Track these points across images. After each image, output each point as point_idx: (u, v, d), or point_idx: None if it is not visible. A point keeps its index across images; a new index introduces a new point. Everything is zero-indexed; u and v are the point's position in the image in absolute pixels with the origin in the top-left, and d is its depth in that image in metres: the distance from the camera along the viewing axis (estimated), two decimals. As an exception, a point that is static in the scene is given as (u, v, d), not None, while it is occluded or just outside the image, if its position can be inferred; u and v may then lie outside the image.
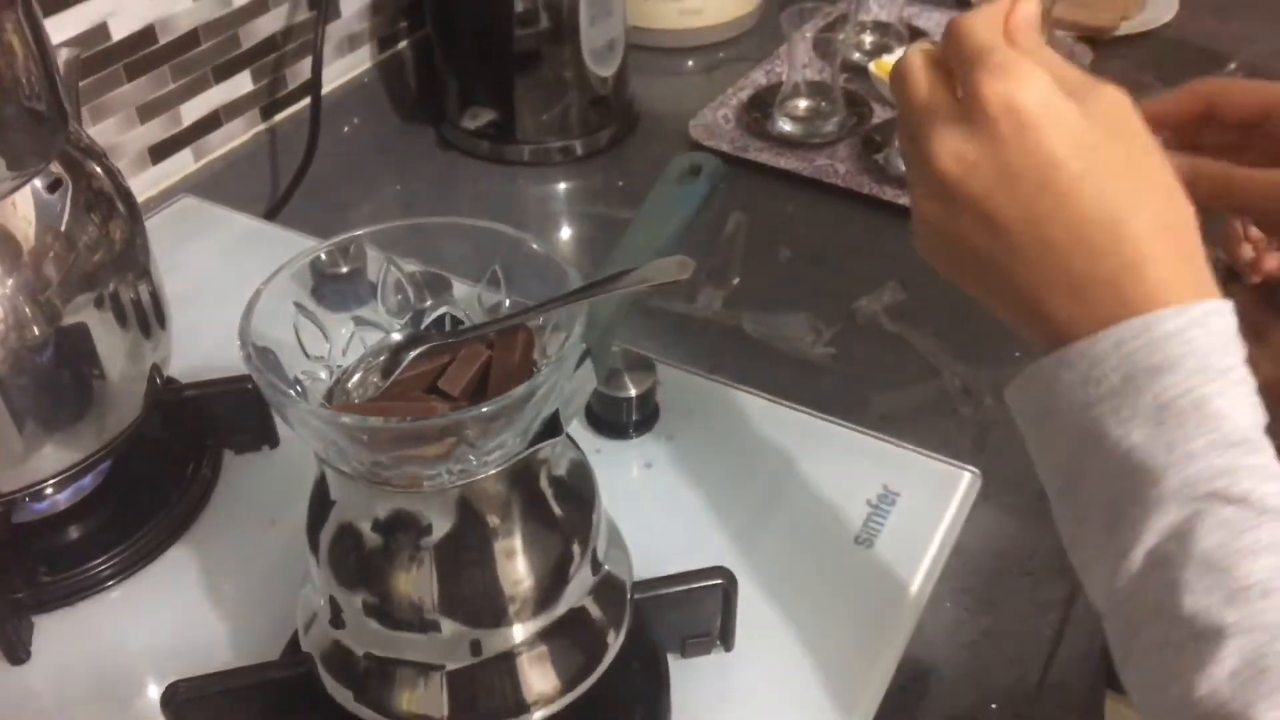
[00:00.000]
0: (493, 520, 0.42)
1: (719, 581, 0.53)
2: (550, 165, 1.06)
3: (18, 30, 0.51)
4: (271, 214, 0.97)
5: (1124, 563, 0.39)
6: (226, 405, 0.66)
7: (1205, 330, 0.39)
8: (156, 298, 0.63)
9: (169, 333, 0.64)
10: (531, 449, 0.41)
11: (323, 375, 0.44)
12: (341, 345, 0.46)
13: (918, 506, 0.64)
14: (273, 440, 0.68)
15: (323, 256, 0.45)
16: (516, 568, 0.43)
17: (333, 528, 0.44)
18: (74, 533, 0.62)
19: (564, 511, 0.45)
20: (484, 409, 0.38)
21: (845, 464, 0.66)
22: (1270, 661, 0.36)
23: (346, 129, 1.07)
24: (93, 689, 0.56)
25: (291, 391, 0.41)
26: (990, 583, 0.67)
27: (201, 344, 0.73)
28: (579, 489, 0.46)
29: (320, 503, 0.44)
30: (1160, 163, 0.41)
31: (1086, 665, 0.66)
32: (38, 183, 0.55)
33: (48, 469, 0.58)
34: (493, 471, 0.41)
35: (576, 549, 0.45)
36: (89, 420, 0.59)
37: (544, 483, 0.44)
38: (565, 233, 1.02)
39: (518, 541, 0.43)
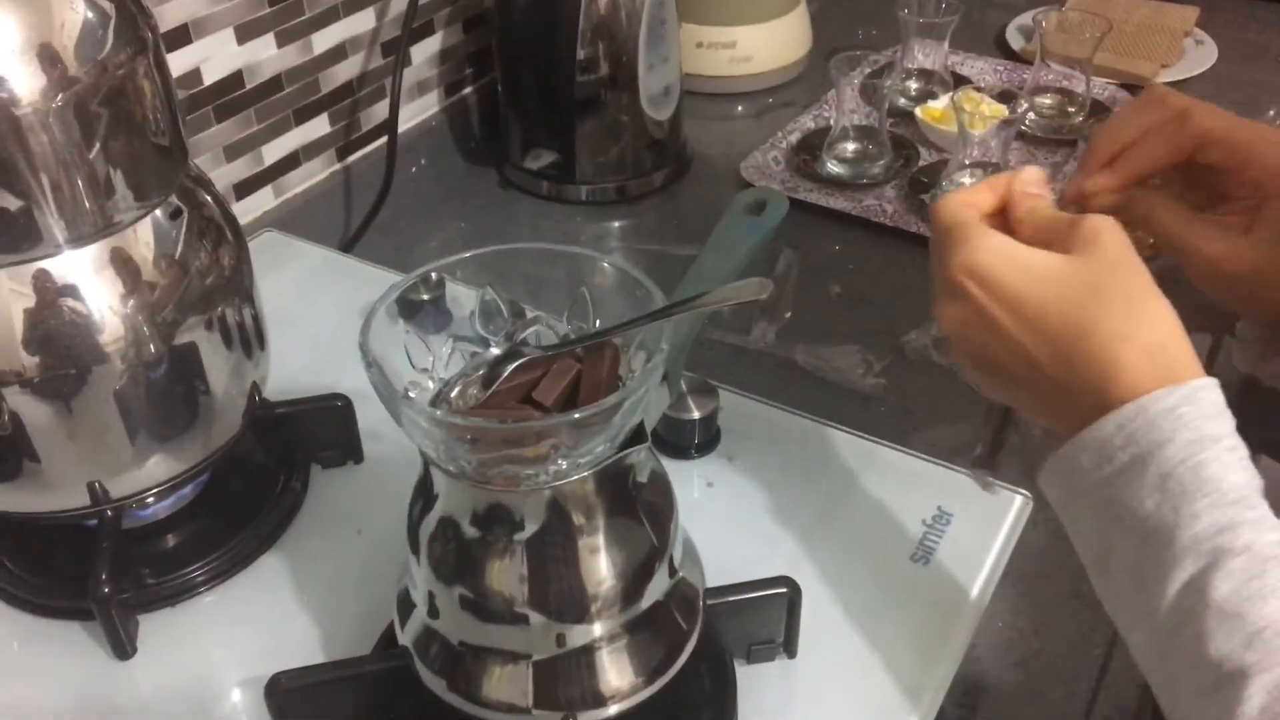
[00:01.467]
0: (580, 520, 0.46)
1: (784, 590, 0.57)
2: (607, 204, 1.11)
3: (149, 73, 0.57)
4: (347, 247, 1.02)
5: (1154, 621, 0.44)
6: (316, 422, 0.71)
7: (1195, 405, 0.45)
8: (258, 320, 0.67)
9: (268, 353, 0.69)
10: (619, 454, 0.45)
11: (427, 385, 0.48)
12: (443, 360, 0.50)
13: (971, 527, 0.67)
14: (358, 456, 0.72)
15: (423, 281, 0.49)
16: (601, 566, 0.47)
17: (433, 523, 0.47)
18: (174, 539, 0.67)
19: (645, 516, 0.48)
20: (577, 415, 0.42)
21: (900, 485, 0.69)
22: None
23: (414, 169, 1.12)
24: (192, 685, 0.60)
25: (403, 396, 0.45)
26: (1040, 605, 0.69)
27: (286, 366, 0.78)
28: (659, 496, 0.50)
29: (423, 500, 0.48)
30: (1128, 275, 0.47)
31: (1134, 688, 0.68)
32: (159, 212, 0.60)
33: (156, 477, 0.63)
34: (584, 474, 0.44)
35: (656, 551, 0.49)
36: (195, 433, 0.64)
37: (628, 488, 0.47)
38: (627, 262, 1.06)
39: (603, 541, 0.47)
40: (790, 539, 0.67)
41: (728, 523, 0.68)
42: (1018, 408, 0.53)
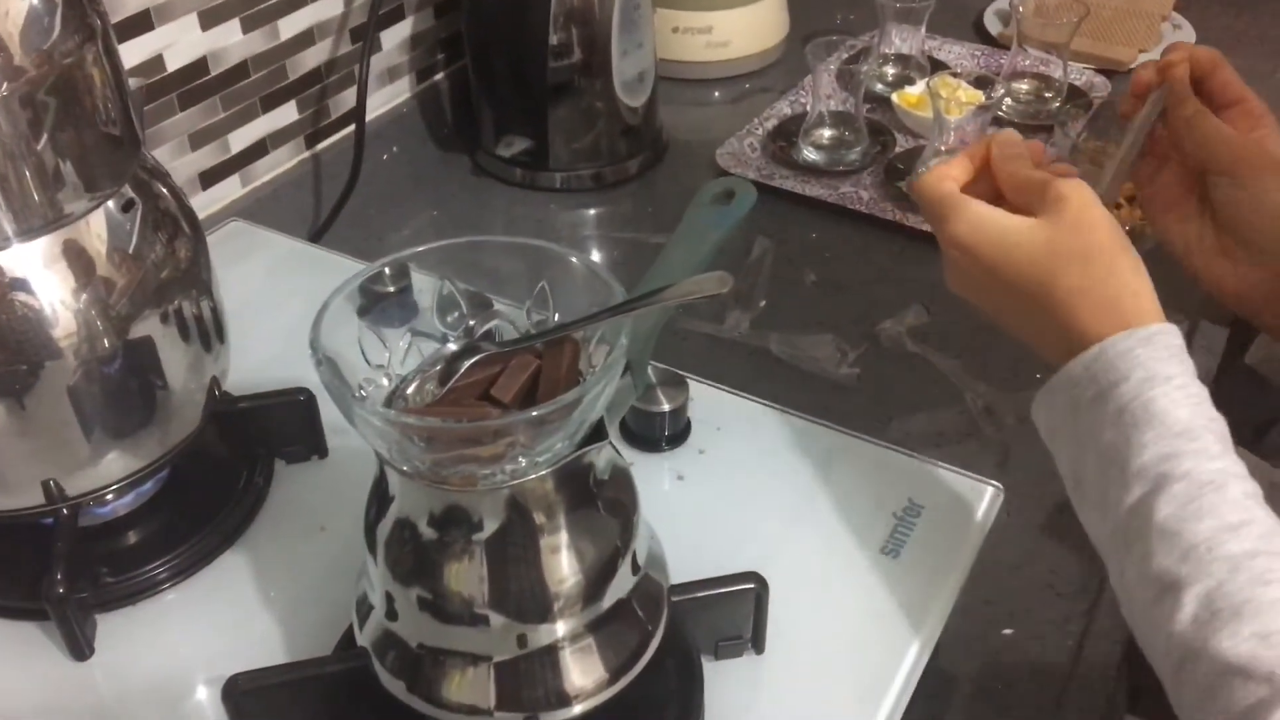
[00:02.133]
0: (541, 519, 0.45)
1: (751, 586, 0.56)
2: (581, 192, 1.10)
3: (97, 61, 0.55)
4: (315, 237, 1.01)
5: (1113, 539, 0.49)
6: (278, 417, 0.70)
7: (1149, 347, 0.50)
8: (217, 313, 0.66)
9: (227, 346, 0.68)
10: (579, 452, 0.44)
11: (383, 382, 0.47)
12: (399, 355, 0.49)
13: (942, 520, 0.66)
14: (322, 451, 0.71)
15: (386, 272, 0.48)
16: (562, 565, 0.46)
17: (390, 524, 0.46)
18: (134, 536, 0.66)
19: (607, 513, 0.47)
20: (535, 412, 0.41)
21: (871, 478, 0.69)
22: (1220, 603, 0.44)
23: (385, 157, 1.11)
24: (151, 685, 0.59)
25: (356, 395, 0.44)
26: (1012, 596, 0.69)
27: (250, 358, 0.77)
28: (621, 493, 0.49)
29: (379, 501, 0.47)
30: (1086, 235, 0.53)
31: (1106, 679, 0.68)
32: (111, 204, 0.58)
33: (113, 474, 0.62)
34: (542, 473, 0.43)
35: (618, 549, 0.48)
36: (152, 429, 0.62)
37: (589, 485, 0.46)
38: (595, 256, 1.05)
39: (564, 540, 0.46)
40: (760, 532, 0.66)
41: (697, 517, 0.67)
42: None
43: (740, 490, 0.69)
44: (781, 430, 0.73)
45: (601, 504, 0.47)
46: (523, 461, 0.42)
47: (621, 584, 0.49)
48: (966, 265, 0.56)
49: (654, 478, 0.70)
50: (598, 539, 0.47)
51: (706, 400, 0.74)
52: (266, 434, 0.70)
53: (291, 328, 0.84)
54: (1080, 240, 0.52)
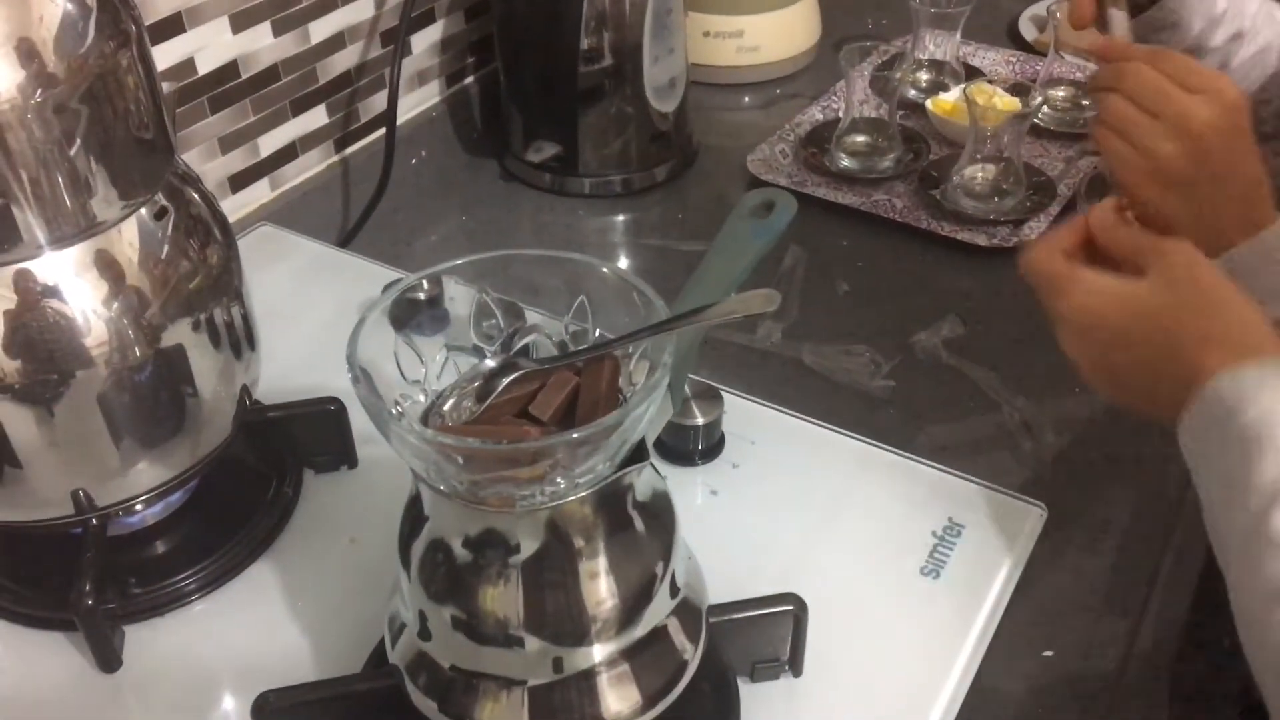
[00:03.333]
0: (579, 541, 0.44)
1: (790, 608, 0.55)
2: (610, 198, 1.08)
3: (132, 67, 0.54)
4: (344, 242, 1.00)
5: (1235, 551, 0.50)
6: (308, 426, 0.69)
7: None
8: (248, 321, 0.65)
9: (258, 354, 0.67)
10: (619, 473, 0.43)
11: (419, 398, 0.46)
12: (435, 369, 0.48)
13: (984, 540, 0.65)
14: (352, 461, 0.70)
15: (424, 284, 0.47)
16: (600, 588, 0.45)
17: (424, 543, 0.46)
18: (162, 546, 0.65)
19: (646, 535, 0.46)
20: (576, 434, 0.40)
21: (910, 495, 0.67)
22: None
23: (414, 161, 1.10)
24: (179, 698, 0.59)
25: (392, 412, 0.43)
26: (1052, 617, 0.67)
27: (278, 365, 0.76)
28: (660, 514, 0.48)
29: (413, 519, 0.46)
30: (1196, 285, 0.54)
31: (1149, 702, 0.66)
32: (144, 211, 0.57)
33: (143, 485, 0.61)
34: (582, 494, 0.42)
35: (657, 571, 0.47)
36: (183, 438, 0.62)
37: (628, 507, 0.45)
38: (624, 263, 1.04)
39: (602, 563, 0.45)
40: (796, 550, 0.65)
41: (731, 532, 0.66)
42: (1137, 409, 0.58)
43: (774, 506, 0.68)
44: (816, 444, 0.72)
45: (641, 526, 0.46)
46: (562, 483, 0.41)
47: (660, 608, 0.47)
48: (1093, 332, 0.56)
49: (687, 492, 0.69)
50: (636, 562, 0.46)
51: (740, 413, 0.73)
52: (296, 443, 0.70)
53: (320, 334, 0.84)
54: (1197, 292, 0.54)
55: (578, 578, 0.44)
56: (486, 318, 0.48)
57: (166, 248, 0.59)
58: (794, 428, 0.73)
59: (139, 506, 0.63)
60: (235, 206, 0.97)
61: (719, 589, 0.56)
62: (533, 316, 0.54)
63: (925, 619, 0.61)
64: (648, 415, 0.42)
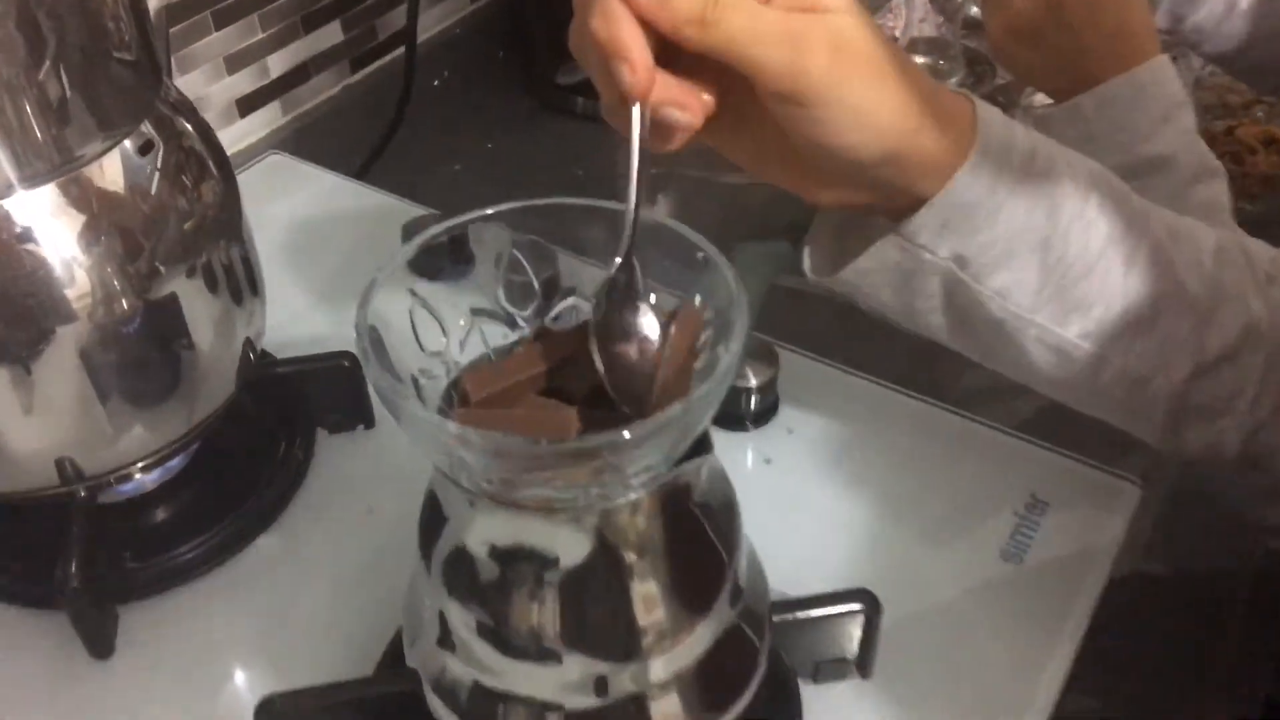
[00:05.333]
0: (628, 551, 0.37)
1: (861, 606, 0.48)
2: (649, 125, 1.00)
3: (108, -23, 0.47)
4: (361, 172, 0.93)
5: None
6: (321, 382, 0.62)
7: None
8: (250, 266, 0.59)
9: (263, 303, 0.60)
10: (679, 470, 0.36)
11: (439, 373, 0.40)
12: (459, 338, 0.41)
13: (1071, 519, 0.58)
14: (369, 420, 0.63)
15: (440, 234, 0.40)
16: (651, 601, 0.38)
17: (447, 545, 0.39)
18: (160, 516, 0.59)
19: (706, 538, 0.40)
20: (628, 434, 0.33)
21: (987, 468, 0.60)
22: None
23: (436, 83, 1.02)
24: (178, 687, 0.53)
25: (411, 394, 0.36)
26: (1142, 607, 0.61)
27: (288, 311, 0.70)
28: (722, 511, 0.41)
29: (433, 515, 0.40)
30: None
31: (1251, 697, 0.60)
32: (128, 144, 0.50)
33: (136, 451, 0.55)
34: (634, 495, 0.36)
35: (718, 578, 0.40)
36: (180, 399, 0.55)
37: (688, 506, 0.39)
38: (660, 199, 0.96)
39: (655, 573, 0.38)
40: (858, 528, 0.58)
41: (787, 507, 0.59)
42: None
43: (834, 477, 0.61)
44: (880, 407, 0.65)
45: (700, 528, 0.39)
46: (611, 484, 0.34)
47: (719, 619, 0.41)
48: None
49: (738, 461, 0.62)
50: (695, 569, 0.39)
51: (794, 371, 0.66)
52: (307, 400, 0.63)
53: (334, 275, 0.77)
54: None
55: (626, 591, 0.37)
56: (517, 273, 0.40)
57: (156, 185, 0.52)
58: (856, 388, 0.66)
59: (134, 474, 0.57)
60: (242, 133, 0.90)
61: (776, 574, 0.49)
62: (569, 266, 0.47)
63: (1008, 610, 0.54)
64: (717, 401, 0.35)
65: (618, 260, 0.38)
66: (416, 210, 0.79)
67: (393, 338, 0.39)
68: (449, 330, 0.40)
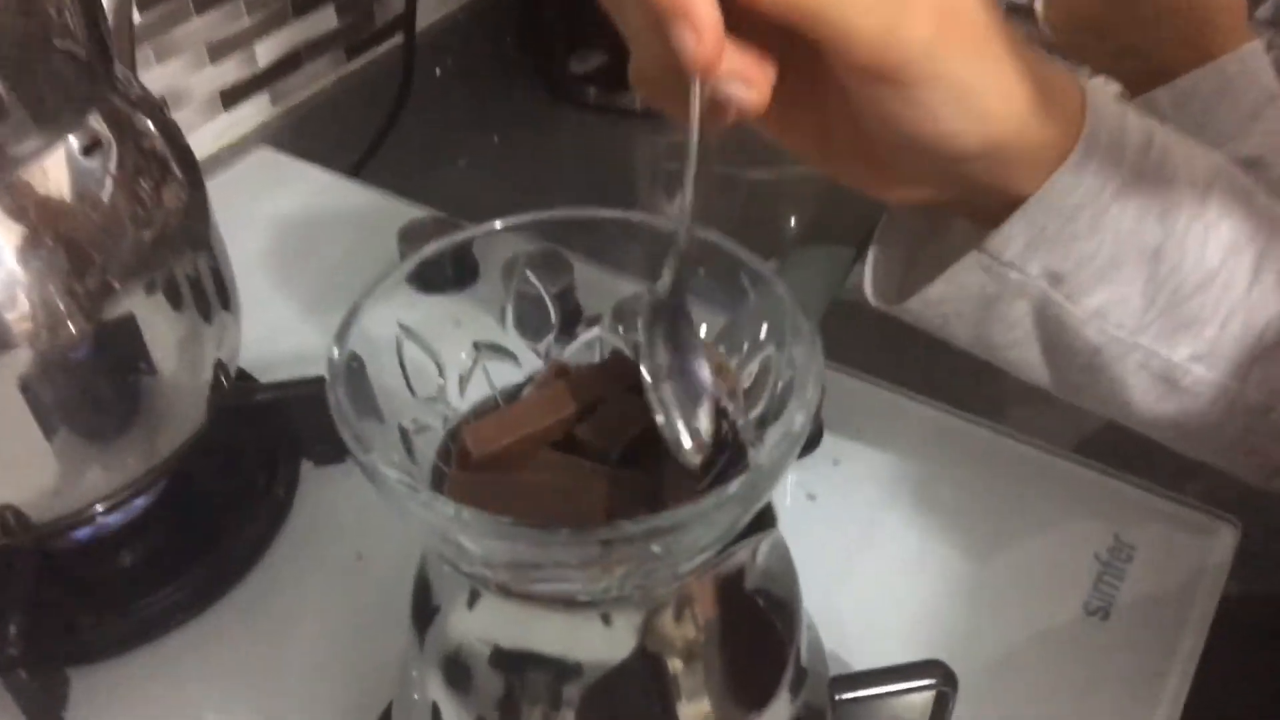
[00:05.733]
0: (670, 649, 0.30)
1: (934, 681, 0.41)
2: (665, 116, 0.93)
3: (45, -55, 0.40)
4: (356, 169, 0.85)
5: None
6: (306, 408, 0.55)
7: None
8: (221, 278, 0.51)
9: (236, 320, 0.53)
10: (734, 548, 0.29)
11: (433, 424, 0.32)
12: (458, 374, 0.34)
13: (1161, 565, 0.51)
14: (359, 453, 0.56)
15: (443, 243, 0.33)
16: (699, 708, 0.31)
17: (442, 637, 0.32)
18: (119, 566, 0.52)
19: (764, 625, 0.32)
20: (681, 512, 0.25)
21: (1063, 506, 0.53)
22: None
23: (439, 71, 0.95)
24: (141, 764, 0.46)
25: (394, 458, 0.29)
26: (1247, 657, 0.53)
27: (271, 324, 0.63)
28: (782, 590, 0.34)
29: (425, 594, 0.32)
30: None
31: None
32: (74, 142, 0.43)
33: (90, 494, 0.48)
34: (677, 585, 0.28)
35: (777, 672, 0.33)
36: (141, 432, 0.48)
37: (742, 590, 0.31)
38: (678, 194, 0.89)
39: (703, 674, 0.31)
40: (916, 577, 0.51)
41: (835, 550, 0.52)
42: None
43: (887, 517, 0.53)
44: (936, 435, 0.57)
45: (758, 615, 0.32)
46: (653, 573, 0.27)
47: (777, 717, 0.34)
48: None
49: (775, 497, 0.54)
50: (751, 666, 0.32)
51: (840, 392, 0.59)
52: (290, 430, 0.56)
53: (324, 285, 0.70)
54: None
55: (668, 701, 0.30)
56: (529, 316, 0.33)
57: (108, 190, 0.45)
58: (907, 412, 0.58)
59: (88, 519, 0.50)
60: (227, 126, 0.82)
61: (824, 632, 0.42)
62: (589, 281, 0.40)
63: (1095, 673, 0.47)
64: (784, 469, 0.28)
65: (666, 277, 0.31)
66: (415, 211, 0.72)
67: (378, 378, 0.32)
68: (446, 368, 0.33)
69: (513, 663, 0.29)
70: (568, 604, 0.28)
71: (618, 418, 0.31)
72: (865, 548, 0.52)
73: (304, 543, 0.54)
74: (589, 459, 0.31)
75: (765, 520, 0.29)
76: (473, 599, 0.29)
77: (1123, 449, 0.59)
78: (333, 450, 0.57)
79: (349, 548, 0.53)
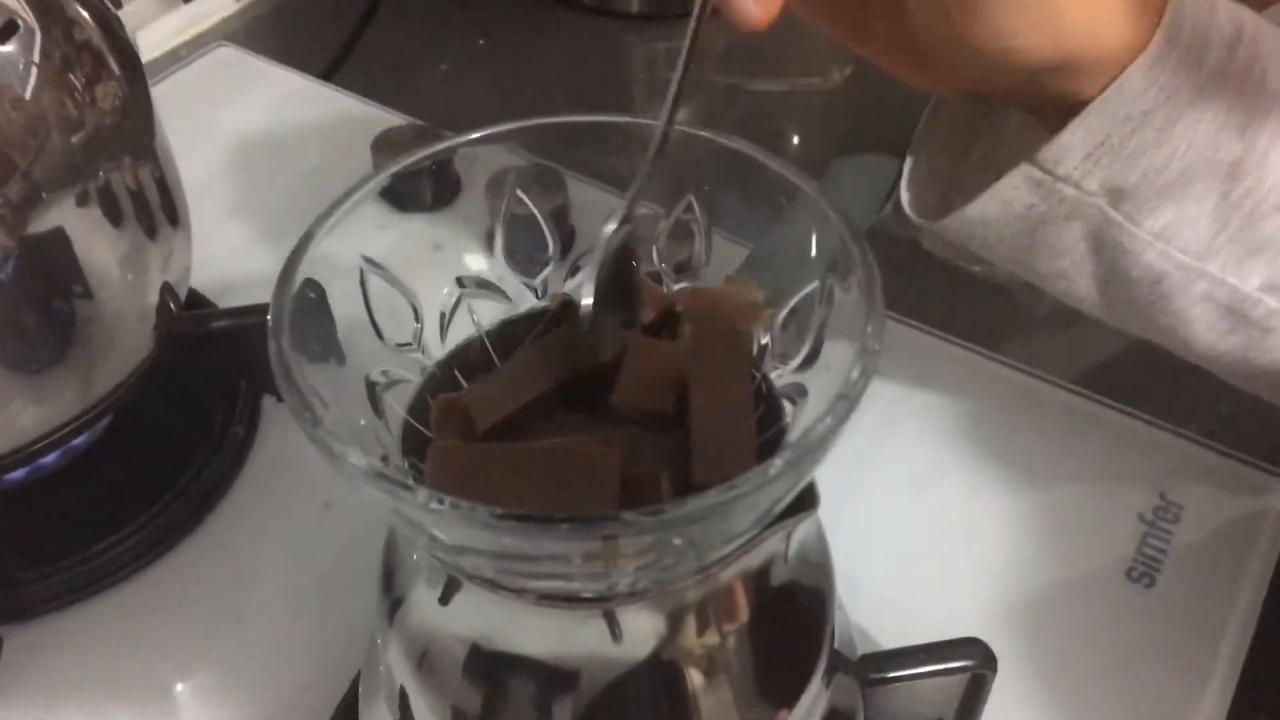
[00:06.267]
0: (688, 650, 0.25)
1: (973, 663, 0.36)
2: (666, 20, 0.86)
3: None
4: (329, 72, 0.78)
5: None
6: (265, 336, 0.49)
7: None
8: (167, 189, 0.45)
9: (186, 238, 0.47)
10: (769, 531, 0.24)
11: (408, 375, 0.27)
12: (439, 312, 0.28)
13: (1211, 527, 0.46)
14: (328, 387, 0.51)
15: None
16: (719, 706, 0.26)
17: (411, 627, 0.27)
18: (59, 511, 0.47)
19: (796, 614, 0.27)
20: (687, 506, 0.20)
21: (1105, 459, 0.48)
22: None
23: (419, -36, 0.87)
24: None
25: (359, 420, 0.24)
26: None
27: (233, 237, 0.58)
28: (814, 576, 0.29)
29: (392, 578, 0.27)
30: None
31: None
32: (-17, 25, 0.37)
33: (23, 433, 0.42)
34: (703, 575, 0.23)
35: (809, 664, 0.28)
36: (78, 363, 0.43)
37: (772, 578, 0.26)
38: (684, 110, 0.82)
39: (725, 674, 0.26)
40: (943, 531, 0.46)
41: (859, 506, 0.47)
42: None
43: (915, 466, 0.49)
44: (965, 377, 0.52)
45: (787, 607, 0.27)
46: (673, 566, 0.22)
47: (806, 710, 0.29)
48: None
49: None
50: (779, 662, 0.27)
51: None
52: (250, 361, 0.50)
53: (291, 200, 0.63)
54: None
55: (681, 709, 0.25)
56: (520, 243, 0.28)
57: (31, 86, 0.38)
58: (938, 354, 0.53)
59: (22, 459, 0.44)
60: (186, 22, 0.75)
61: (850, 595, 0.37)
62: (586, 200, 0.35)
63: (1140, 647, 0.43)
64: (832, 442, 0.22)
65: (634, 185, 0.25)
66: (393, 119, 0.66)
67: (341, 320, 0.26)
68: (423, 308, 0.27)
69: (496, 666, 0.24)
70: (568, 600, 0.23)
71: (642, 371, 0.25)
72: (886, 499, 0.47)
73: (266, 487, 0.48)
74: (599, 421, 0.25)
75: (805, 499, 0.24)
76: (449, 589, 0.24)
77: (1167, 397, 0.54)
78: (298, 384, 0.51)
79: (316, 494, 0.48)
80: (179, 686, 0.42)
